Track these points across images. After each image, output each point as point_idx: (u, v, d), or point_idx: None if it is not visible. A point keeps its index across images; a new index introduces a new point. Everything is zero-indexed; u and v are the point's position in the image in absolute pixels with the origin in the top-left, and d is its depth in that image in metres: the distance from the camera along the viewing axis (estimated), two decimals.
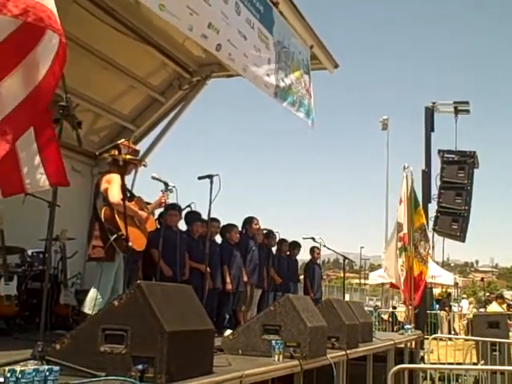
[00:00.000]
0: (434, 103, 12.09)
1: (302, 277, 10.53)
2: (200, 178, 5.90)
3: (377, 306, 24.17)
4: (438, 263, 18.32)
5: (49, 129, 3.01)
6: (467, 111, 12.50)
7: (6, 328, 5.74)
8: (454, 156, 11.96)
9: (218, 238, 7.62)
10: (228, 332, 5.93)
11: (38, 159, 3.02)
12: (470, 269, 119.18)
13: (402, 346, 8.16)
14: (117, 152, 5.12)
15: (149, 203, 5.69)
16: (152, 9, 5.06)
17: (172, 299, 3.42)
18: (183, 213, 6.93)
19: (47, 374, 2.65)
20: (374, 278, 21.61)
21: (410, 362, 8.27)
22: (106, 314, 3.20)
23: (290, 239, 9.44)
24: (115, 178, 5.16)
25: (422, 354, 9.53)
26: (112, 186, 5.15)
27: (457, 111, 12.28)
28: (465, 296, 32.09)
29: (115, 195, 5.08)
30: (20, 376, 2.54)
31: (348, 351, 5.46)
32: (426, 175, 11.49)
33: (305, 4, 7.58)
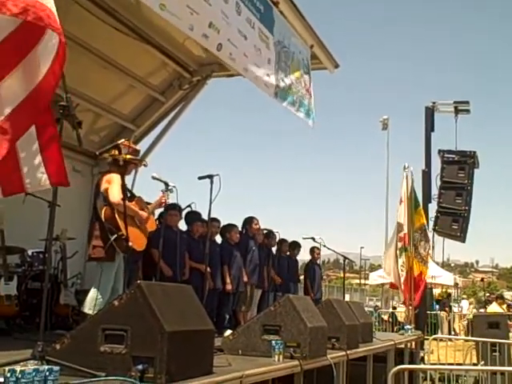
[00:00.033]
0: (434, 103, 12.08)
1: (302, 277, 10.53)
2: (200, 178, 5.89)
3: (377, 306, 24.18)
4: (438, 263, 18.32)
5: (50, 128, 3.01)
6: (467, 111, 12.49)
7: (6, 328, 5.74)
8: (454, 156, 11.95)
9: (218, 238, 7.62)
10: (228, 332, 5.93)
11: (39, 158, 3.02)
12: (470, 269, 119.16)
13: (402, 346, 8.16)
14: (117, 152, 5.12)
15: (149, 203, 5.69)
16: (153, 8, 5.06)
17: (172, 299, 3.42)
18: (183, 213, 6.93)
19: (47, 374, 2.64)
20: (374, 278, 21.62)
21: (410, 363, 8.27)
22: (106, 313, 3.20)
23: (290, 239, 9.45)
24: (115, 177, 5.16)
25: (422, 354, 9.53)
26: (112, 185, 5.15)
27: (457, 111, 12.27)
28: (465, 296, 32.11)
29: (115, 195, 5.07)
30: (20, 376, 2.54)
31: (348, 351, 5.46)
32: (426, 175, 11.48)
33: (304, 4, 7.56)
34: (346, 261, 9.87)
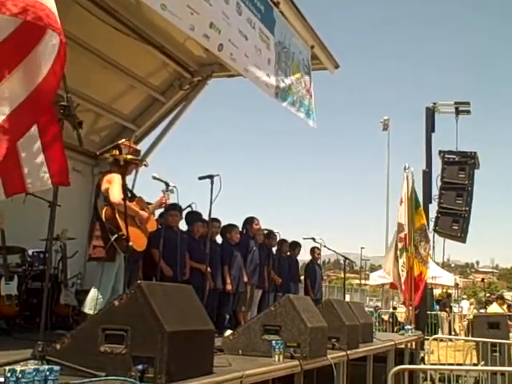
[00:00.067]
0: (434, 104, 12.08)
1: (302, 277, 10.53)
2: (201, 178, 5.90)
3: (377, 306, 24.17)
4: (438, 264, 18.32)
5: (53, 127, 3.01)
6: (468, 112, 12.48)
7: (7, 328, 5.75)
8: (454, 157, 11.94)
9: (219, 238, 7.62)
10: (228, 332, 5.93)
11: (41, 158, 3.02)
12: (471, 269, 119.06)
13: (403, 346, 8.16)
14: (118, 152, 5.12)
15: (150, 203, 5.69)
16: (154, 8, 5.06)
17: (172, 299, 3.42)
18: (184, 213, 6.93)
19: (47, 373, 2.64)
20: (375, 278, 21.63)
21: (410, 363, 8.26)
22: (106, 313, 3.20)
23: (290, 239, 9.45)
24: (116, 177, 5.16)
25: (422, 354, 9.52)
26: (113, 185, 5.15)
27: (457, 112, 12.27)
28: (465, 297, 32.08)
29: (116, 195, 5.07)
30: (20, 376, 2.54)
31: (348, 352, 5.46)
32: (427, 176, 11.48)
33: (304, 4, 7.56)
34: (347, 261, 9.87)
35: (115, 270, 5.22)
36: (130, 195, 5.45)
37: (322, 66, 8.80)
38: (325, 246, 9.41)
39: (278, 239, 8.88)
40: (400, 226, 9.85)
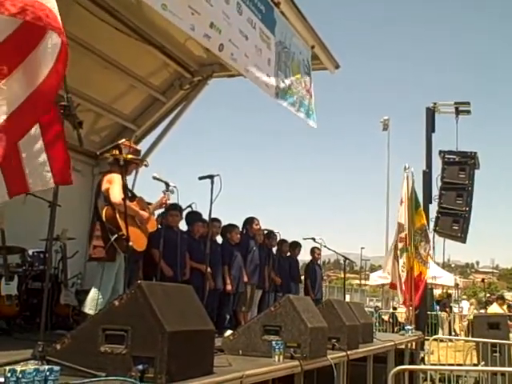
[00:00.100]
0: (434, 104, 12.07)
1: (302, 277, 10.53)
2: (201, 178, 5.90)
3: (377, 306, 24.15)
4: (438, 264, 18.33)
5: (56, 126, 3.01)
6: (468, 112, 12.48)
7: (7, 328, 5.75)
8: (454, 157, 11.94)
9: (219, 239, 7.62)
10: (228, 332, 5.93)
11: (43, 157, 3.01)
12: (471, 270, 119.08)
13: (403, 346, 8.15)
14: (118, 152, 5.11)
15: (150, 203, 5.69)
16: (154, 8, 5.06)
17: (172, 299, 3.42)
18: (184, 213, 6.93)
19: (48, 373, 2.65)
20: (375, 278, 21.62)
21: (410, 363, 8.26)
22: (106, 314, 3.20)
23: (290, 239, 9.45)
24: (116, 177, 5.16)
25: (422, 354, 9.52)
26: (113, 185, 5.15)
27: (458, 112, 12.26)
28: (465, 297, 32.08)
29: (116, 195, 5.07)
30: (20, 376, 2.54)
31: (348, 352, 5.46)
32: (427, 176, 11.48)
33: (305, 4, 7.56)
34: (347, 261, 9.88)
35: (115, 270, 5.22)
36: (130, 195, 5.45)
37: (323, 66, 8.81)
38: (325, 246, 9.42)
39: (278, 239, 8.87)
40: (400, 226, 9.85)
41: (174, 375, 3.02)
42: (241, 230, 7.94)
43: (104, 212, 5.15)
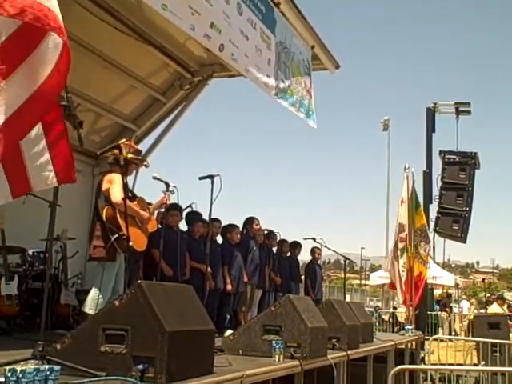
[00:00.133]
0: (435, 104, 12.09)
1: (302, 277, 10.53)
2: (201, 178, 5.90)
3: (377, 306, 24.15)
4: (438, 264, 18.34)
5: (58, 124, 3.01)
6: (468, 112, 12.50)
7: (7, 328, 5.75)
8: (455, 157, 11.96)
9: (219, 239, 7.62)
10: (229, 332, 5.93)
11: (46, 156, 3.01)
12: (471, 270, 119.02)
13: (403, 346, 8.16)
14: (118, 151, 5.11)
15: (150, 204, 5.69)
16: (155, 8, 5.07)
17: (172, 299, 3.42)
18: (184, 213, 6.93)
19: (48, 373, 2.65)
20: (375, 278, 21.63)
21: (410, 363, 8.27)
22: (106, 313, 3.20)
23: (290, 239, 9.45)
24: (117, 177, 5.16)
25: (422, 354, 9.52)
26: (114, 185, 5.16)
27: (458, 112, 12.28)
28: (465, 297, 32.07)
29: (117, 195, 5.07)
30: (21, 376, 2.54)
31: (348, 352, 5.46)
32: (427, 176, 11.49)
33: (305, 4, 7.57)
34: (347, 261, 9.88)
35: (116, 270, 5.22)
36: (130, 195, 5.45)
37: (323, 66, 8.81)
38: (325, 246, 9.42)
39: (278, 239, 8.88)
40: (401, 226, 9.85)
41: (174, 375, 3.02)
42: (241, 230, 7.94)
43: (104, 212, 5.15)
